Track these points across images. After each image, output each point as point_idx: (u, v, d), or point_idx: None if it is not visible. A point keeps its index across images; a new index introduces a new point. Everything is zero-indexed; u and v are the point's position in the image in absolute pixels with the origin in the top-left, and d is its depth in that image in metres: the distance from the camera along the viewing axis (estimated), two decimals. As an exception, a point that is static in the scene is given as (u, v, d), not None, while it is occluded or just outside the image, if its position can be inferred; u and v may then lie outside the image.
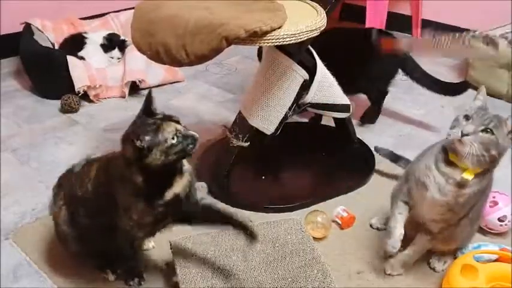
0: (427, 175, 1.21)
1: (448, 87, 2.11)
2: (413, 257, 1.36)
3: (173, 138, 1.06)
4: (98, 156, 1.29)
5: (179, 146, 1.07)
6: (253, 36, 1.27)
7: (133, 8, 1.53)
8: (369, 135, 2.10)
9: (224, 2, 1.45)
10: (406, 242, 1.33)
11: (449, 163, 1.19)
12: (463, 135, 1.13)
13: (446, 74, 2.75)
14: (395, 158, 1.73)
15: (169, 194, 1.14)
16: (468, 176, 1.16)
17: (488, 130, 1.12)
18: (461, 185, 1.18)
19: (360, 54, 1.97)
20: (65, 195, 1.28)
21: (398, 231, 1.27)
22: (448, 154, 1.19)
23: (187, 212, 1.22)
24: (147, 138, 1.04)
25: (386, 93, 2.17)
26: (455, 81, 2.12)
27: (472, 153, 1.12)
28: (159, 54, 1.37)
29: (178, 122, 1.09)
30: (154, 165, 1.06)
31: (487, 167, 1.17)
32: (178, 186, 1.15)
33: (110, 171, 1.18)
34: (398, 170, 1.71)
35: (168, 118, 1.09)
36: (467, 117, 1.16)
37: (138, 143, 1.04)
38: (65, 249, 1.34)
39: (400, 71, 2.11)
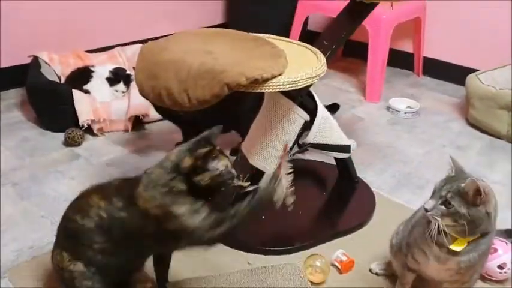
0: (425, 244, 1.22)
1: None
2: None
3: (223, 171, 1.19)
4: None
5: (222, 178, 1.19)
6: (254, 83, 1.29)
7: (140, 41, 1.56)
8: (370, 175, 2.10)
9: (227, 47, 1.48)
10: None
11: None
12: (426, 211, 1.15)
13: (450, 112, 2.77)
14: None
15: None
16: (456, 248, 1.15)
17: (447, 202, 1.12)
18: (456, 252, 1.17)
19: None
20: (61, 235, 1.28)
21: None
22: None
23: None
24: (206, 161, 1.17)
25: None
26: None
27: (439, 226, 1.12)
28: (161, 97, 1.39)
29: (228, 158, 1.22)
30: (200, 184, 1.17)
31: (476, 235, 1.15)
32: None
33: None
34: (398, 212, 1.70)
35: (223, 153, 1.22)
36: (434, 191, 1.17)
37: (198, 162, 1.16)
38: None
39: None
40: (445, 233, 1.13)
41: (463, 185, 1.10)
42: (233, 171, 1.22)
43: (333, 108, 2.41)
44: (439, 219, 1.13)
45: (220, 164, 1.19)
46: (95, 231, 1.21)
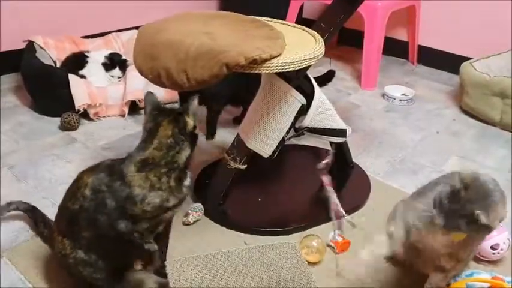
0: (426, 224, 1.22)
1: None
2: None
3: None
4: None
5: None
6: (253, 64, 1.30)
7: (135, 27, 1.56)
8: (366, 160, 2.12)
9: (226, 28, 1.49)
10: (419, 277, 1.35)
11: None
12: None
13: (444, 100, 2.80)
14: None
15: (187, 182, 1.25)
16: (459, 238, 1.17)
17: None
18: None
19: None
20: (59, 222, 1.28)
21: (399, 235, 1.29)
22: None
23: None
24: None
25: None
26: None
27: None
28: (160, 78, 1.39)
29: None
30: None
31: None
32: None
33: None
34: (393, 196, 1.72)
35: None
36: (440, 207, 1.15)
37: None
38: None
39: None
40: None
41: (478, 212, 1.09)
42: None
43: (328, 76, 2.40)
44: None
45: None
46: (80, 213, 1.20)
